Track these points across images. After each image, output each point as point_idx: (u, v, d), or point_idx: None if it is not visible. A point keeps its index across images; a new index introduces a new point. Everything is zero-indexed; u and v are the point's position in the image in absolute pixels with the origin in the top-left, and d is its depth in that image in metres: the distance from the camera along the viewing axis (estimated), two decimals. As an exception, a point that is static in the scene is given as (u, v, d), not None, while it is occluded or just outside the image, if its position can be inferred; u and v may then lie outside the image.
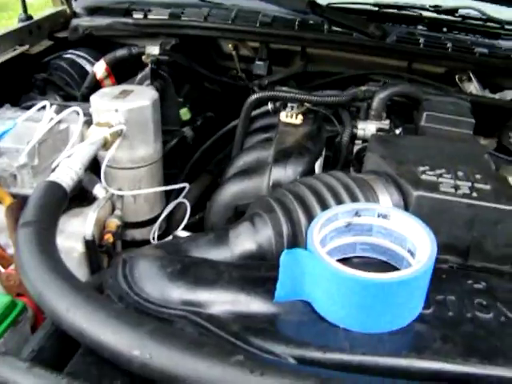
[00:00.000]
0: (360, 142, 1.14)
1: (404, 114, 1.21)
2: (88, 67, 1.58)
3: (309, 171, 0.94)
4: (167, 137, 1.33)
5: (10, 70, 1.45)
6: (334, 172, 0.84)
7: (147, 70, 1.30)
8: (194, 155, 1.37)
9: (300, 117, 1.05)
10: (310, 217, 0.75)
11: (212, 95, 1.55)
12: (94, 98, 1.09)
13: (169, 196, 1.30)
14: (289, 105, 1.07)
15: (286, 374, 0.49)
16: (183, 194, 1.19)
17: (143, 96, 1.10)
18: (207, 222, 1.00)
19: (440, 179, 0.85)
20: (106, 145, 1.00)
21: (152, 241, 1.20)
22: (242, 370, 0.48)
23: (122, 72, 1.47)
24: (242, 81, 1.54)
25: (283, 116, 1.06)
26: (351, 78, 1.49)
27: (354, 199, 0.78)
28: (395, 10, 1.64)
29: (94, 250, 1.01)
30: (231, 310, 0.63)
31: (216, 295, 0.64)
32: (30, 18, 1.57)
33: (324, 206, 0.76)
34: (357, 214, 0.68)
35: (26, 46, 1.48)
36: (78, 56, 1.59)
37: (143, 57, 1.37)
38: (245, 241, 0.77)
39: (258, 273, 0.69)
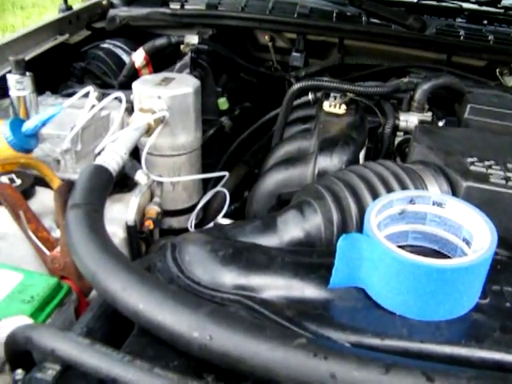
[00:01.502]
0: (402, 133, 1.13)
1: (445, 106, 1.19)
2: (125, 57, 1.59)
3: (354, 161, 0.93)
4: (205, 126, 1.33)
5: (49, 59, 1.47)
6: (382, 161, 0.83)
7: (187, 58, 1.30)
8: (231, 145, 1.36)
9: (343, 106, 1.04)
10: (360, 204, 0.74)
11: (249, 86, 1.54)
12: (136, 84, 1.10)
13: (206, 186, 1.30)
14: (332, 95, 1.05)
15: (351, 357, 0.48)
16: (222, 182, 1.19)
17: (185, 83, 1.10)
18: (249, 210, 1.00)
19: (489, 170, 0.83)
20: (149, 131, 1.00)
21: (190, 229, 1.20)
22: (304, 353, 0.48)
23: (160, 62, 1.48)
24: (279, 72, 1.52)
25: (326, 105, 1.05)
26: (389, 70, 1.47)
27: (404, 188, 0.77)
28: (434, 2, 1.61)
29: (135, 235, 1.01)
30: (285, 295, 0.63)
31: (269, 280, 0.64)
32: (69, 8, 1.59)
33: (374, 194, 0.75)
34: (411, 201, 0.67)
35: (66, 36, 1.49)
36: (115, 46, 1.60)
37: (182, 46, 1.37)
38: (293, 228, 0.76)
39: (310, 259, 0.68)
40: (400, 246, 0.69)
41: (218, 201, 1.28)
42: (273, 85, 1.50)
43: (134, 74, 1.41)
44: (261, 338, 0.49)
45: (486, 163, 0.86)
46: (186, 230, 1.20)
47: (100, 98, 1.18)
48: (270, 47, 1.60)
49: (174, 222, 1.22)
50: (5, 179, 0.95)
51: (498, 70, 1.50)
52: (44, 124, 0.97)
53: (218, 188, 1.17)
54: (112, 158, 0.87)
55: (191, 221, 1.19)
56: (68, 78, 1.52)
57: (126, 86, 1.43)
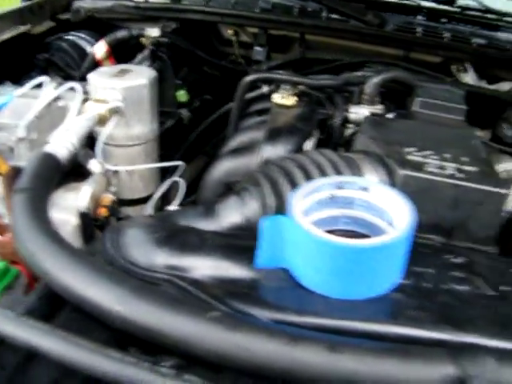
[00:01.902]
0: (353, 125, 1.16)
1: (398, 100, 1.23)
2: (89, 49, 1.59)
3: (298, 150, 0.96)
4: (164, 117, 1.36)
5: (11, 49, 1.47)
6: (322, 150, 0.86)
7: (146, 51, 1.32)
8: (189, 136, 1.39)
9: (293, 98, 1.07)
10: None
11: (211, 79, 1.57)
12: (91, 75, 1.11)
13: (164, 176, 1.32)
14: (282, 87, 1.09)
15: (260, 330, 0.51)
16: (178, 172, 1.21)
17: (141, 75, 1.12)
18: (199, 198, 1.03)
19: (426, 160, 0.87)
20: (101, 121, 1.02)
21: (149, 205, 1.22)
22: (216, 326, 0.51)
23: (122, 54, 1.49)
24: (241, 66, 1.55)
25: (276, 97, 1.08)
26: (348, 65, 1.50)
27: (340, 175, 0.80)
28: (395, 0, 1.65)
29: (89, 222, 1.03)
30: (214, 275, 0.66)
31: (200, 260, 0.67)
32: (32, -3, 1.59)
33: (310, 180, 0.78)
34: (339, 186, 0.70)
35: (28, 26, 1.49)
36: (80, 38, 1.61)
37: (143, 39, 1.38)
38: (232, 213, 0.79)
39: (241, 241, 0.71)
40: (331, 231, 0.73)
41: (176, 191, 1.31)
42: (235, 78, 1.52)
43: (96, 66, 1.42)
44: (178, 312, 0.52)
45: (425, 153, 0.89)
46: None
47: (58, 88, 1.20)
48: (234, 41, 1.62)
49: (132, 212, 1.24)
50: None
51: (453, 67, 1.55)
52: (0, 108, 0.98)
53: (175, 178, 1.20)
54: (61, 145, 0.89)
55: (148, 210, 1.21)
56: (31, 69, 1.53)
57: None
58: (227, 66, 1.55)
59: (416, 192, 0.82)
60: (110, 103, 1.03)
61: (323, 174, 0.79)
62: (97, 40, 1.61)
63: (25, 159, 1.07)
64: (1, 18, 1.43)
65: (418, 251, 0.69)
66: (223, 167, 0.99)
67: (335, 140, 1.10)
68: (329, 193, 0.69)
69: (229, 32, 1.63)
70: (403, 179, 0.82)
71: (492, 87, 1.55)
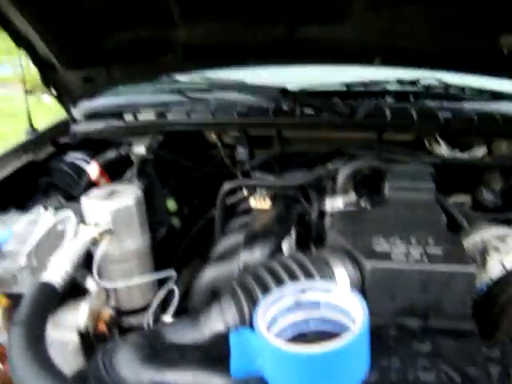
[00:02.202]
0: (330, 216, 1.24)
1: (372, 184, 1.31)
2: (86, 167, 1.74)
3: (275, 253, 1.03)
4: (157, 226, 1.45)
5: (17, 178, 1.61)
6: (294, 254, 0.93)
7: (134, 169, 1.44)
8: (182, 242, 1.47)
9: (268, 201, 1.16)
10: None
11: (199, 183, 1.67)
12: (84, 199, 1.22)
13: (163, 283, 1.39)
14: (258, 190, 1.18)
15: None
16: (171, 281, 1.28)
17: (128, 196, 1.22)
18: (190, 305, 1.09)
19: (393, 247, 0.93)
20: (94, 242, 1.12)
21: (146, 328, 1.27)
22: None
23: (116, 169, 1.62)
24: (226, 168, 1.66)
25: (253, 202, 1.17)
26: (326, 154, 1.61)
27: (310, 277, 0.86)
28: (362, 88, 1.78)
29: (89, 340, 1.10)
30: (194, 389, 0.71)
31: (180, 375, 0.72)
32: (34, 129, 1.75)
33: (281, 285, 0.84)
34: (303, 291, 0.76)
35: (30, 155, 1.64)
36: (77, 158, 1.75)
37: (132, 156, 1.51)
38: (214, 322, 0.85)
39: (219, 351, 0.77)
40: (302, 334, 0.78)
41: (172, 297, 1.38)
42: (222, 180, 1.63)
43: (91, 185, 1.55)
44: None
45: (391, 240, 0.95)
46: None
47: (56, 215, 1.30)
48: (219, 145, 1.75)
49: (133, 321, 1.30)
50: (-35, 302, 1.04)
51: (425, 141, 1.64)
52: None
53: (168, 287, 1.26)
54: (57, 273, 0.97)
55: (148, 319, 1.27)
56: (35, 191, 1.66)
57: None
58: (212, 171, 1.66)
59: (385, 280, 0.88)
60: (101, 226, 1.12)
61: (293, 277, 0.86)
62: (93, 158, 1.76)
63: (28, 285, 1.16)
64: (8, 153, 1.57)
65: (383, 341, 0.74)
66: (208, 276, 1.07)
67: (314, 233, 1.17)
68: (293, 299, 0.75)
69: (213, 136, 1.76)
70: (371, 271, 0.88)
71: (465, 155, 1.63)
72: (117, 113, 1.81)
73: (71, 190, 1.67)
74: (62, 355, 1.09)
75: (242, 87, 1.75)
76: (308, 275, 0.87)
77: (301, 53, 1.69)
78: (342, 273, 0.90)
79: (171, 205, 1.46)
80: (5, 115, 5.95)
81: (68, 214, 1.19)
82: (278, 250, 1.05)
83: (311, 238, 1.19)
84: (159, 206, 1.46)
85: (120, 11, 1.47)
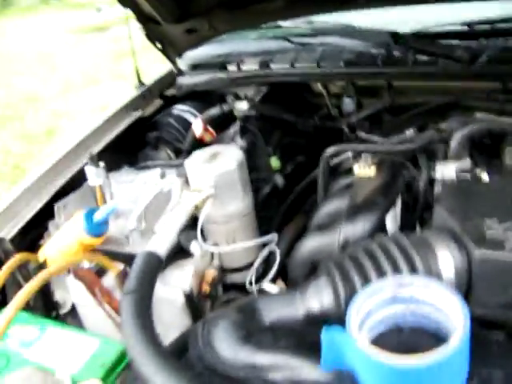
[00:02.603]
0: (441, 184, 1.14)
1: (491, 148, 1.17)
2: (193, 120, 1.77)
3: (378, 226, 0.98)
4: (260, 184, 1.45)
5: (128, 134, 1.69)
6: (395, 235, 0.88)
7: (237, 126, 1.43)
8: (285, 200, 1.46)
9: (373, 168, 1.09)
10: (366, 281, 0.80)
11: (304, 137, 1.63)
12: (187, 163, 1.24)
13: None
14: (362, 155, 1.11)
15: None
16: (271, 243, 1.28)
17: (230, 158, 1.22)
18: (289, 277, 1.09)
19: (509, 234, 0.83)
20: (197, 208, 1.14)
21: (249, 286, 1.31)
22: None
23: (221, 123, 1.63)
24: (332, 120, 1.59)
25: (356, 168, 1.11)
26: (442, 106, 1.47)
27: (411, 262, 0.81)
28: (488, 27, 1.56)
29: (193, 300, 1.16)
30: (287, 375, 0.72)
31: (273, 361, 0.74)
32: (142, 85, 1.80)
33: (379, 272, 0.80)
34: (402, 285, 0.72)
35: (139, 112, 1.70)
36: (183, 111, 1.78)
37: (234, 111, 1.50)
38: (309, 301, 0.84)
39: (312, 339, 0.76)
40: (397, 328, 0.75)
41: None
42: (328, 133, 1.57)
43: (196, 142, 1.57)
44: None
45: (507, 225, 0.85)
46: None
47: (163, 175, 1.35)
48: (325, 94, 1.67)
49: (236, 278, 1.35)
50: (85, 264, 1.15)
51: None
52: (109, 214, 1.15)
53: (270, 247, 1.27)
54: (161, 242, 1.01)
55: (250, 277, 1.30)
56: (144, 146, 1.73)
57: (191, 152, 1.60)
58: (317, 125, 1.60)
59: (495, 272, 0.80)
60: (203, 192, 1.14)
61: (393, 263, 0.81)
62: (200, 109, 1.78)
63: (138, 246, 1.24)
64: (119, 112, 1.65)
65: (485, 349, 0.68)
66: (306, 248, 1.05)
67: (421, 203, 1.10)
68: (391, 293, 0.71)
69: (318, 85, 1.68)
70: (479, 260, 0.80)
71: None
72: (221, 63, 1.79)
73: (178, 143, 1.72)
74: (169, 313, 1.17)
75: (348, 31, 1.64)
76: (409, 260, 0.81)
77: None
78: (447, 260, 0.83)
79: (274, 163, 1.44)
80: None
81: (173, 179, 1.22)
82: (381, 223, 0.99)
83: (418, 207, 1.11)
84: (262, 164, 1.45)
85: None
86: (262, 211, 1.41)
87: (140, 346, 0.77)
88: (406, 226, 1.11)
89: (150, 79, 1.88)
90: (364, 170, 1.10)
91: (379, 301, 0.72)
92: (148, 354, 0.75)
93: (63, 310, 1.28)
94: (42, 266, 1.11)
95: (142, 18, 1.62)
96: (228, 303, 1.28)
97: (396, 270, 0.80)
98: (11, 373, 0.95)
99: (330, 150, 1.15)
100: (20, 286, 1.15)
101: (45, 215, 1.30)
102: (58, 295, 1.29)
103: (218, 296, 1.29)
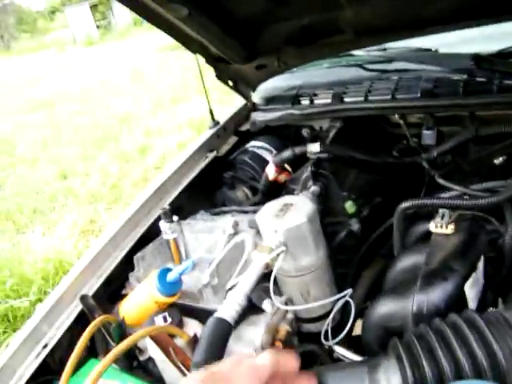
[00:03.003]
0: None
1: None
2: (267, 156, 1.76)
3: (456, 295, 0.91)
4: (336, 227, 1.41)
5: (205, 175, 1.72)
6: (470, 314, 0.79)
7: (308, 171, 1.40)
8: (362, 244, 1.41)
9: (451, 226, 1.01)
10: (439, 373, 0.74)
11: (381, 174, 1.55)
12: (257, 217, 1.23)
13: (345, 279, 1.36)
14: (440, 211, 1.03)
15: None
16: (347, 296, 1.23)
17: (300, 212, 1.19)
18: (362, 340, 1.04)
19: None
20: (268, 266, 1.13)
21: (324, 340, 1.27)
22: None
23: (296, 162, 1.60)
24: (411, 155, 1.50)
25: (432, 226, 1.03)
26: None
27: (487, 348, 0.73)
28: None
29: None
30: None
31: None
32: (217, 123, 1.83)
33: (455, 366, 0.73)
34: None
35: (214, 153, 1.73)
36: (258, 148, 1.78)
37: (307, 154, 1.47)
38: (378, 382, 0.80)
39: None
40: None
41: (355, 302, 1.35)
42: (408, 170, 1.49)
43: (271, 184, 1.57)
44: None
45: None
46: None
47: (235, 226, 1.36)
48: (402, 125, 1.58)
49: (312, 327, 1.32)
50: (160, 318, 1.18)
51: None
52: (181, 274, 1.18)
53: (345, 298, 1.23)
54: (231, 307, 1.01)
55: (325, 328, 1.27)
56: (221, 185, 1.75)
57: (267, 193, 1.60)
58: (394, 162, 1.51)
59: None
60: (274, 250, 1.13)
61: (467, 347, 0.73)
62: (274, 145, 1.78)
63: (212, 301, 1.25)
64: (193, 155, 1.68)
65: None
66: (379, 312, 1.00)
67: (508, 264, 1.00)
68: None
69: (395, 116, 1.60)
70: None
71: None
72: (294, 96, 1.77)
73: (255, 182, 1.72)
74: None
75: (425, 56, 1.54)
76: (485, 346, 0.74)
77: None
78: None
79: (350, 207, 1.39)
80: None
81: (245, 233, 1.22)
82: (458, 292, 0.92)
83: (504, 267, 1.02)
84: (337, 207, 1.41)
85: (284, 2, 1.38)
86: (339, 255, 1.37)
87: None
88: (491, 285, 1.01)
89: (223, 116, 1.90)
90: (440, 229, 1.02)
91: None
92: None
93: (145, 357, 1.33)
94: (121, 325, 1.16)
95: (212, 59, 1.64)
96: (304, 355, 1.26)
97: (472, 357, 0.73)
98: None
99: (405, 205, 1.08)
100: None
101: (124, 267, 1.36)
102: (140, 342, 1.35)
103: (293, 346, 1.27)
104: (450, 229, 1.01)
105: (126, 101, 7.74)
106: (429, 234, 1.13)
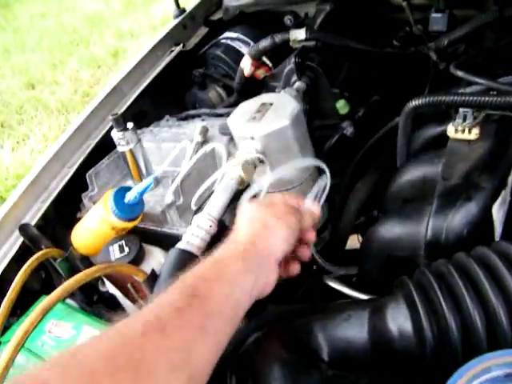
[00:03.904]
0: None
1: None
2: (243, 49, 1.49)
3: (482, 220, 0.70)
4: (325, 132, 1.19)
5: (170, 72, 1.45)
6: (503, 245, 0.59)
7: (292, 63, 1.13)
8: (356, 151, 1.19)
9: (475, 130, 0.78)
10: (463, 318, 0.55)
11: (380, 69, 1.29)
12: (230, 121, 1.00)
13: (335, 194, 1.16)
14: (460, 111, 0.80)
15: None
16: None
17: (281, 113, 0.95)
18: (361, 267, 0.86)
19: None
20: (242, 182, 0.91)
21: (315, 254, 1.09)
22: None
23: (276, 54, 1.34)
24: (415, 44, 1.23)
25: (451, 130, 0.80)
26: None
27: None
28: None
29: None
30: None
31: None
32: (183, 11, 1.52)
33: (487, 317, 0.54)
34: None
35: (181, 46, 1.44)
36: (232, 39, 1.50)
37: (290, 42, 1.20)
38: (381, 328, 0.62)
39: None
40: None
41: (348, 216, 1.16)
42: (412, 62, 1.24)
43: (247, 80, 1.31)
44: None
45: None
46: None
47: (204, 133, 1.13)
48: (405, 7, 1.30)
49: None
50: (116, 248, 0.97)
51: None
52: (142, 194, 0.96)
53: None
54: (197, 235, 0.81)
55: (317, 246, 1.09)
56: (191, 85, 1.49)
57: (244, 92, 1.35)
58: (393, 52, 1.25)
59: None
60: (249, 162, 0.90)
61: (499, 288, 0.54)
62: (251, 36, 1.50)
63: (177, 225, 1.04)
64: (156, 47, 1.40)
65: None
66: (383, 238, 0.80)
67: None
68: (503, 372, 0.47)
69: (397, -5, 1.31)
70: None
71: None
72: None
73: (229, 79, 1.47)
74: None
75: None
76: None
77: None
78: None
79: (342, 107, 1.15)
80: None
81: (216, 144, 1.00)
82: (485, 215, 0.71)
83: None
84: (327, 107, 1.17)
85: None
86: (329, 164, 1.16)
87: None
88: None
89: (191, 2, 1.59)
90: (461, 134, 0.79)
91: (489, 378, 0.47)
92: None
93: (106, 288, 1.15)
94: (67, 258, 0.96)
95: None
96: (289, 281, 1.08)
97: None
98: None
99: (414, 103, 0.85)
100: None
101: (75, 187, 1.14)
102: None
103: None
104: (474, 133, 0.78)
105: (93, 0, 7.10)
106: (441, 139, 0.91)
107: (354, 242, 1.21)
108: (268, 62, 1.37)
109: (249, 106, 1.02)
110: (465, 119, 0.77)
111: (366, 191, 1.19)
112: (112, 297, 1.13)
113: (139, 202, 0.99)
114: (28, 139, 4.34)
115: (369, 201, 1.19)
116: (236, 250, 0.58)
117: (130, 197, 0.96)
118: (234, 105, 1.25)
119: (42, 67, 5.58)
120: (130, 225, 1.00)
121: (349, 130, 1.14)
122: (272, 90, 1.26)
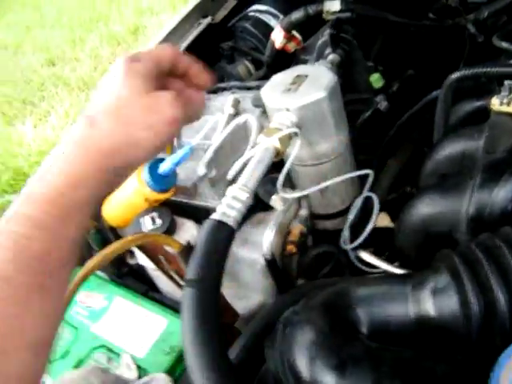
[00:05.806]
0: None
1: None
2: (273, 22, 1.46)
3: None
4: (358, 106, 1.16)
5: (198, 45, 1.43)
6: None
7: (326, 35, 1.11)
8: (390, 126, 1.16)
9: (520, 101, 0.76)
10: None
11: (416, 42, 1.26)
12: (263, 92, 0.98)
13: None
14: (506, 83, 0.77)
15: None
16: (368, 183, 1.01)
17: (317, 85, 0.93)
18: (396, 243, 0.84)
19: None
20: (278, 154, 0.90)
21: (344, 231, 1.08)
22: None
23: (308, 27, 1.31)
24: (452, 16, 1.20)
25: (496, 103, 0.78)
26: None
27: None
28: None
29: (275, 262, 0.96)
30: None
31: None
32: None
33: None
34: None
35: (209, 19, 1.42)
36: (261, 12, 1.47)
37: (324, 14, 1.17)
38: (424, 302, 0.61)
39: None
40: None
41: (378, 193, 1.14)
42: (449, 36, 1.20)
43: (278, 53, 1.29)
44: None
45: None
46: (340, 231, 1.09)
47: (236, 105, 1.11)
48: (442, -23, 1.26)
49: (329, 224, 1.12)
50: (148, 220, 0.97)
51: None
52: (177, 165, 0.95)
53: (366, 193, 1.01)
54: (232, 206, 0.80)
55: (345, 227, 1.07)
56: (219, 59, 1.47)
57: (274, 66, 1.33)
58: (433, 25, 1.21)
59: None
60: (285, 134, 0.89)
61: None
62: (281, 7, 1.47)
63: (209, 197, 1.04)
64: (183, 21, 1.38)
65: None
66: (421, 214, 0.78)
67: None
68: None
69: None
70: None
71: None
72: None
73: (258, 53, 1.44)
74: (248, 273, 1.00)
75: None
76: None
77: None
78: None
79: (376, 80, 1.12)
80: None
81: (249, 116, 0.98)
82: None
83: None
84: (361, 81, 1.14)
85: None
86: (361, 139, 1.14)
87: (197, 357, 0.61)
88: None
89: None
90: (505, 106, 0.77)
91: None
92: (205, 367, 0.60)
93: (135, 260, 1.16)
94: (100, 230, 0.97)
95: None
96: (318, 257, 1.08)
97: None
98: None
99: (458, 75, 0.82)
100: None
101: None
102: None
103: (307, 247, 1.08)
104: (520, 104, 0.76)
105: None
106: (479, 114, 0.89)
107: (382, 220, 1.19)
108: (298, 35, 1.35)
109: (283, 77, 1.00)
110: (511, 91, 0.75)
111: (398, 167, 1.17)
112: (140, 269, 1.14)
113: (173, 174, 0.98)
114: (50, 116, 4.36)
115: (401, 177, 1.17)
116: None
117: (164, 167, 0.95)
118: (264, 78, 1.23)
119: (62, 44, 5.58)
120: (164, 196, 0.99)
121: (383, 104, 1.11)
122: (303, 63, 1.24)
